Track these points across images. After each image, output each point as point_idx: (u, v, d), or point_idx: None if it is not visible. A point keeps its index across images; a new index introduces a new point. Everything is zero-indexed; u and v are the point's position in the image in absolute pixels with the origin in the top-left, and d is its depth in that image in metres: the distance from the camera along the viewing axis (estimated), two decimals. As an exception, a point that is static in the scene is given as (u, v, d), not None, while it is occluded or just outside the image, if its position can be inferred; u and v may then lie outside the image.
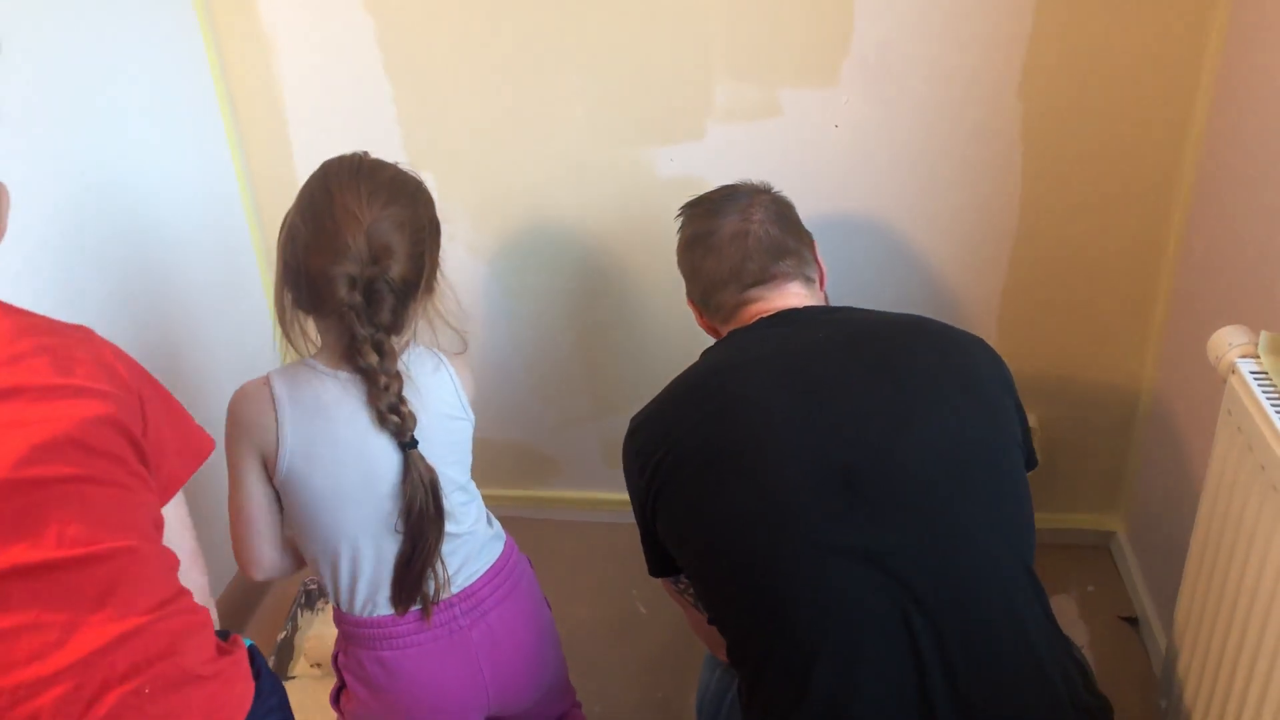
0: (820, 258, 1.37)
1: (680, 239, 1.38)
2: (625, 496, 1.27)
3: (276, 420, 1.19)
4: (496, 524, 1.38)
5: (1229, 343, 1.17)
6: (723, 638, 1.16)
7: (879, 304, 1.37)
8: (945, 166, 1.64)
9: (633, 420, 1.24)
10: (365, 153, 1.24)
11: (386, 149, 1.77)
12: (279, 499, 1.25)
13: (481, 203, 1.82)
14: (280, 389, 1.20)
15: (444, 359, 1.30)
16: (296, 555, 1.31)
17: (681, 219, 1.39)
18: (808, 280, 1.31)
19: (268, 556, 1.27)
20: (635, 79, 1.66)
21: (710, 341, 1.32)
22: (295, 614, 1.89)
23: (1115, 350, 1.75)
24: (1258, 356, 1.14)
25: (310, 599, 1.93)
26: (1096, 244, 1.66)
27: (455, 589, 1.28)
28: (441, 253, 1.27)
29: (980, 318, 1.74)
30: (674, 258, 1.40)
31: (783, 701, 1.06)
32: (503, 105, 1.72)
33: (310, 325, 1.24)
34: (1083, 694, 1.09)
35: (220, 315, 1.85)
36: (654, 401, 1.23)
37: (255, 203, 1.90)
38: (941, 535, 1.05)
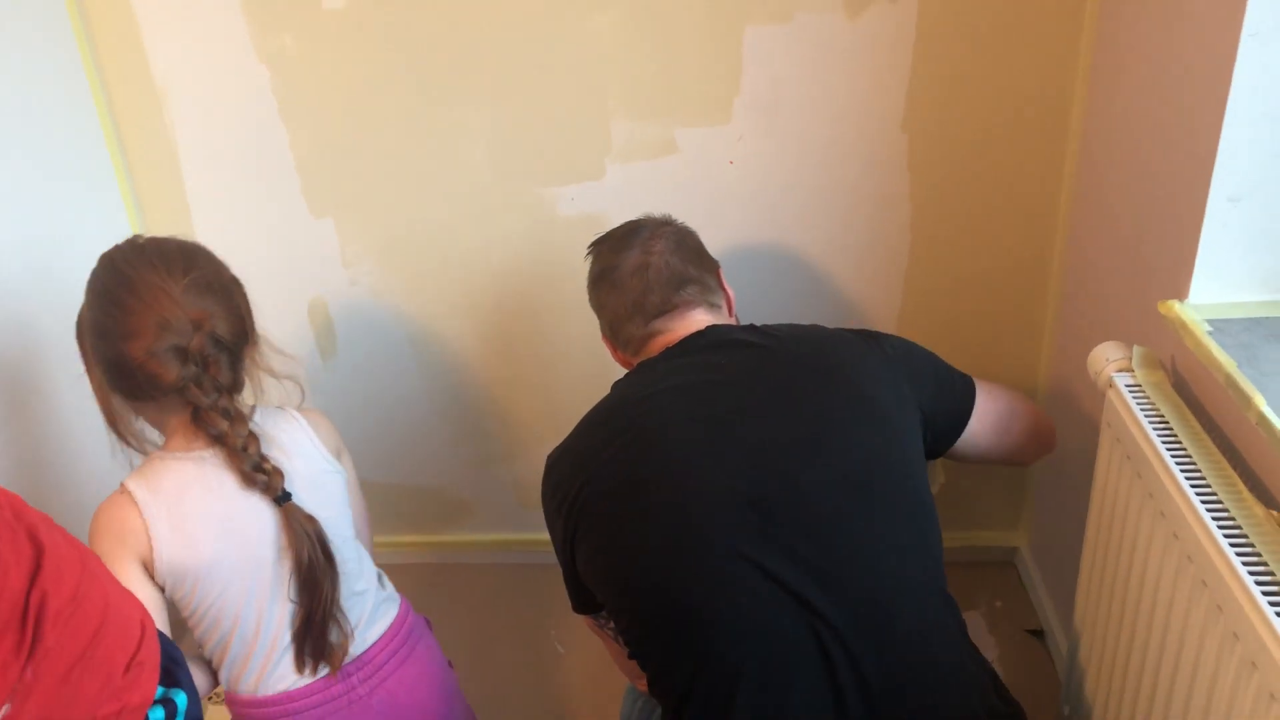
0: (726, 284, 1.39)
1: (589, 277, 1.40)
2: (540, 536, 1.28)
3: (144, 520, 1.16)
4: (389, 585, 1.36)
5: (1106, 358, 1.23)
6: (644, 671, 1.17)
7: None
8: (837, 197, 1.69)
9: (548, 458, 1.24)
10: (138, 235, 1.23)
11: (285, 196, 1.77)
12: (166, 611, 1.20)
13: (385, 246, 1.82)
14: (138, 489, 1.17)
15: (295, 413, 1.29)
16: (202, 678, 1.26)
17: (590, 257, 1.41)
18: (712, 306, 1.33)
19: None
20: (534, 120, 1.68)
21: (621, 373, 1.34)
22: None
23: (1009, 369, 1.81)
24: (1133, 370, 1.20)
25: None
26: (985, 267, 1.73)
27: (351, 656, 1.26)
28: (253, 304, 1.26)
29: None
30: (581, 295, 1.42)
31: None
32: (402, 148, 1.72)
33: (143, 422, 1.22)
34: (996, 702, 1.13)
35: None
36: (568, 438, 1.24)
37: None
38: (851, 559, 1.08)
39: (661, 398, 1.18)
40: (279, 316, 1.87)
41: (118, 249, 1.20)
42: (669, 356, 1.25)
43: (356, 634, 1.26)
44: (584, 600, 1.26)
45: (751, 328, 1.28)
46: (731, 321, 1.38)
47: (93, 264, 1.18)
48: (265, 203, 1.78)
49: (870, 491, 1.11)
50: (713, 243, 1.74)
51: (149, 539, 1.15)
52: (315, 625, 1.21)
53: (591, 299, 1.39)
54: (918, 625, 1.09)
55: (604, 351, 1.41)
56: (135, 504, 1.16)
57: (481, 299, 1.85)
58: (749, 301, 1.79)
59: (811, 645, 1.05)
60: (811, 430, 1.13)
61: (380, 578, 1.35)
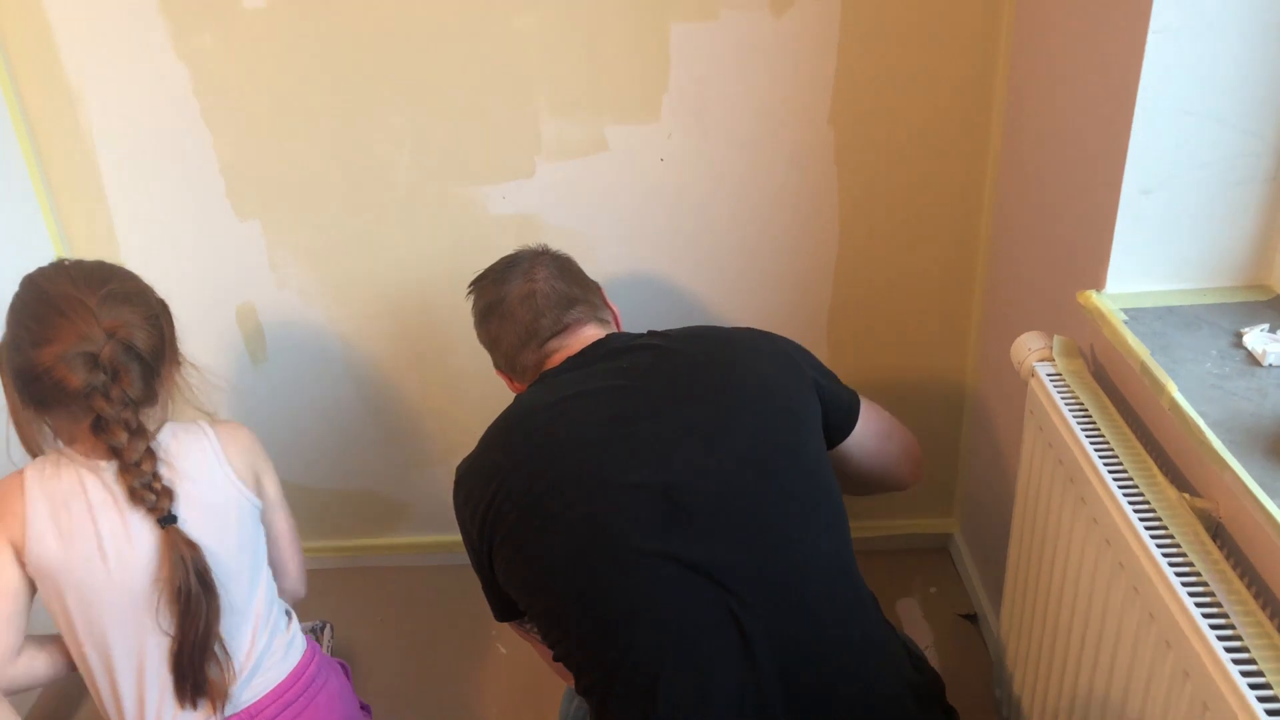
0: (610, 301, 1.44)
1: (475, 315, 1.42)
2: None
3: (24, 507, 1.15)
4: (296, 632, 1.32)
5: (1028, 347, 1.26)
6: (569, 670, 1.17)
7: (717, 322, 1.42)
8: (767, 193, 1.70)
9: (458, 470, 1.25)
10: (61, 258, 1.23)
11: (209, 199, 1.74)
12: (29, 600, 1.18)
13: (312, 248, 1.79)
14: (32, 480, 1.17)
15: (208, 429, 1.26)
16: (47, 657, 1.21)
17: (472, 295, 1.43)
18: (602, 322, 1.38)
19: None
20: (463, 120, 1.67)
21: None
22: None
23: (938, 359, 1.84)
24: (1054, 360, 1.23)
25: None
26: (913, 259, 1.75)
27: (238, 707, 1.23)
28: (178, 326, 1.25)
29: (810, 337, 1.81)
30: None
31: (633, 717, 1.09)
32: (327, 150, 1.70)
33: (54, 438, 1.20)
34: (911, 672, 1.17)
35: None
36: (475, 449, 1.25)
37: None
38: (760, 540, 1.11)
39: (564, 404, 1.21)
40: (208, 321, 1.84)
41: (39, 269, 1.20)
42: (569, 366, 1.28)
43: (248, 679, 1.23)
44: (505, 608, 1.27)
45: (650, 333, 1.31)
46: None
47: (8, 274, 1.17)
48: (190, 206, 1.75)
49: (772, 473, 1.14)
50: (644, 239, 1.75)
51: (24, 526, 1.15)
52: (189, 658, 1.18)
53: (481, 335, 1.42)
54: (828, 598, 1.13)
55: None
56: (23, 491, 1.16)
57: (412, 300, 1.83)
58: (678, 298, 1.81)
59: (728, 623, 1.07)
60: (710, 421, 1.16)
61: (287, 622, 1.31)
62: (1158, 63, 1.05)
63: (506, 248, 1.64)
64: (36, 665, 1.20)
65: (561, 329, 1.33)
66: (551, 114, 1.66)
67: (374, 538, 2.10)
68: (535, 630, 1.32)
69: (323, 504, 2.04)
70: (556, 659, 1.19)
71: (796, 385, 1.23)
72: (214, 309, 1.84)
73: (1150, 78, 1.06)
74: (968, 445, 1.90)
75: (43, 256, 1.76)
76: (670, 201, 1.72)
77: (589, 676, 1.14)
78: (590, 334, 1.33)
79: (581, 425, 1.17)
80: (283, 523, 1.35)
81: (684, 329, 1.32)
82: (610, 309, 1.43)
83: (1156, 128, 1.08)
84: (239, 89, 1.66)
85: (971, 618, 1.88)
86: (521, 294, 1.34)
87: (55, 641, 1.23)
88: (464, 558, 1.30)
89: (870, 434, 1.33)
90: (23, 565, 1.16)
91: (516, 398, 1.31)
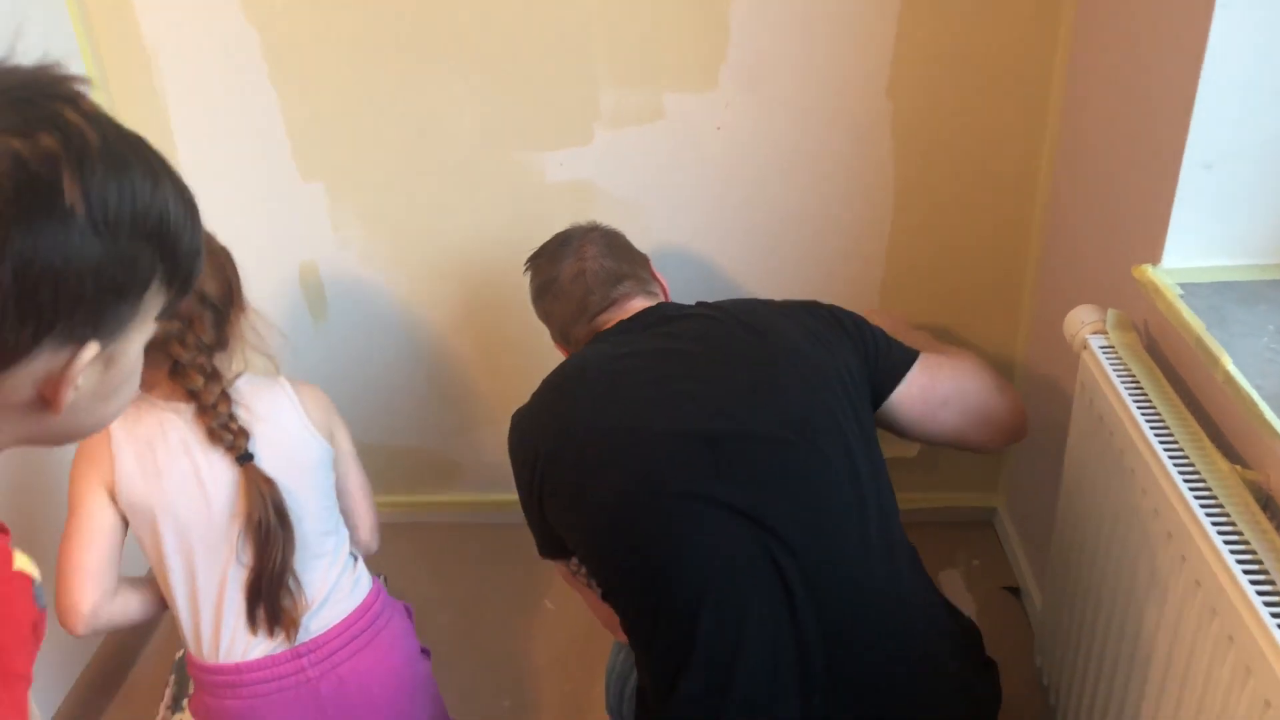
0: (659, 274, 1.50)
1: (531, 292, 1.52)
2: None
3: (112, 451, 1.22)
4: (363, 570, 1.38)
5: (1081, 320, 1.26)
6: (617, 612, 1.23)
7: (764, 296, 1.45)
8: (822, 164, 1.71)
9: (514, 416, 1.33)
10: None
11: (275, 160, 1.78)
12: (122, 539, 1.25)
13: (373, 210, 1.83)
14: (116, 424, 1.23)
15: (285, 384, 1.33)
16: (139, 597, 1.28)
17: (529, 273, 1.53)
18: (650, 295, 1.45)
19: (90, 599, 1.21)
20: (523, 86, 1.69)
21: None
22: (175, 689, 1.74)
23: (989, 333, 1.85)
24: (1107, 333, 1.23)
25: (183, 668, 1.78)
26: (967, 232, 1.75)
27: (307, 636, 1.28)
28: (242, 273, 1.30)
29: (861, 308, 1.82)
30: None
31: (674, 657, 1.14)
32: (392, 113, 1.73)
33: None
34: (948, 621, 1.22)
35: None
36: (532, 398, 1.32)
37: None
38: (799, 488, 1.16)
39: (616, 362, 1.29)
40: (271, 279, 1.89)
41: None
42: (621, 330, 1.36)
43: (317, 611, 1.29)
44: (551, 545, 1.33)
45: (699, 304, 1.37)
46: None
47: None
48: (257, 166, 1.79)
49: (813, 429, 1.19)
50: (699, 208, 1.77)
51: (113, 468, 1.22)
52: (265, 588, 1.24)
53: (538, 311, 1.52)
54: (865, 544, 1.17)
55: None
56: (109, 436, 1.22)
57: (469, 264, 1.87)
58: (731, 268, 1.83)
59: (766, 563, 1.13)
60: (754, 380, 1.22)
61: (354, 562, 1.37)
62: (1224, 35, 1.05)
63: (562, 214, 1.67)
64: (131, 604, 1.27)
65: (610, 304, 1.41)
66: (610, 82, 1.68)
67: (427, 494, 2.15)
68: (582, 573, 1.40)
69: (378, 460, 2.08)
70: (604, 599, 1.26)
71: (840, 347, 1.28)
72: (277, 267, 1.89)
73: (1216, 51, 1.06)
74: (1016, 420, 1.90)
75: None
76: (726, 171, 1.74)
77: (632, 616, 1.21)
78: (638, 306, 1.40)
79: (631, 381, 1.25)
80: (355, 477, 1.41)
81: (731, 300, 1.38)
82: (659, 281, 1.50)
83: (1221, 101, 1.08)
84: (306, 51, 1.69)
85: (1014, 591, 1.90)
86: (572, 273, 1.43)
87: (148, 583, 1.30)
88: (514, 517, 1.35)
89: (917, 397, 1.33)
90: (116, 505, 1.23)
91: (571, 355, 1.38)
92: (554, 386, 1.31)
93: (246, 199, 1.82)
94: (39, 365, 0.63)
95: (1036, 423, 1.76)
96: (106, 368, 0.68)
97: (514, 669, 1.81)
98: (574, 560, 1.38)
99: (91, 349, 0.64)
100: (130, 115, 1.78)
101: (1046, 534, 1.53)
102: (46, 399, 0.66)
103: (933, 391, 1.34)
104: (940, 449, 1.95)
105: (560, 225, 1.65)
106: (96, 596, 1.22)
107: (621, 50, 1.65)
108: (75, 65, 1.65)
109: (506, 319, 1.90)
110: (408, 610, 1.44)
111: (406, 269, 1.89)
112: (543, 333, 1.55)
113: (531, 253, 1.53)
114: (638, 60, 1.66)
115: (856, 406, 1.24)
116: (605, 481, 1.19)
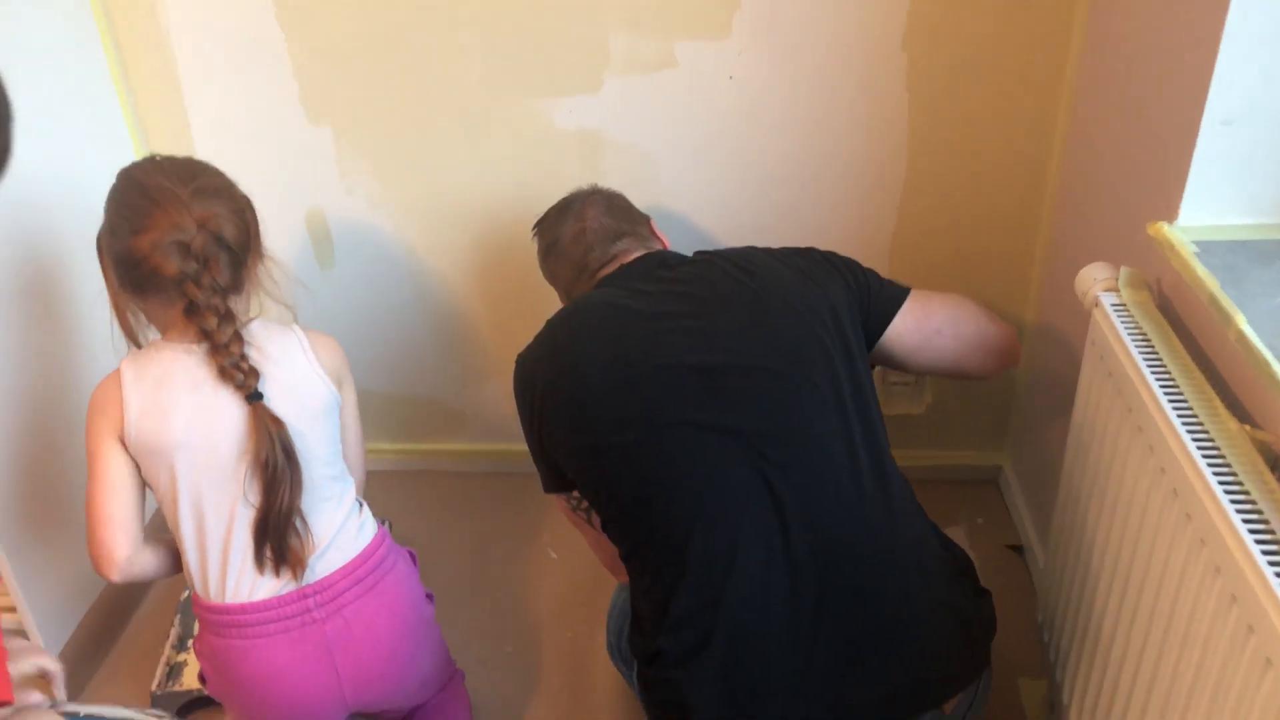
0: (660, 232, 1.54)
1: (538, 255, 1.58)
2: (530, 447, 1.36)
3: (122, 396, 1.24)
4: (368, 515, 1.39)
5: (1094, 278, 1.25)
6: (613, 542, 1.28)
7: (779, 244, 1.44)
8: (835, 116, 1.69)
9: (518, 356, 1.37)
10: (153, 154, 1.31)
11: (282, 104, 1.77)
12: (140, 487, 1.27)
13: (381, 157, 1.82)
14: (127, 369, 1.26)
15: (298, 330, 1.34)
16: (159, 556, 1.31)
17: (535, 236, 1.59)
18: (650, 251, 1.47)
19: (123, 549, 1.25)
20: (530, 32, 1.67)
21: None
22: (180, 629, 1.75)
23: (1000, 290, 1.83)
24: (1119, 290, 1.22)
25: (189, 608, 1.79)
26: (980, 187, 1.73)
27: (314, 577, 1.30)
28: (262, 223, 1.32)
29: (870, 262, 1.80)
30: None
31: (667, 579, 1.19)
32: (399, 58, 1.71)
33: (147, 324, 1.30)
34: (937, 546, 1.27)
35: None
36: (534, 338, 1.36)
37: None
38: (792, 414, 1.20)
39: (616, 301, 1.33)
40: (278, 224, 1.86)
41: (134, 163, 1.28)
42: (622, 274, 1.41)
43: (323, 553, 1.30)
44: (553, 479, 1.37)
45: (698, 252, 1.42)
46: None
47: (87, 169, 1.22)
48: (265, 109, 1.78)
49: (805, 361, 1.23)
50: (708, 158, 1.75)
51: (122, 413, 1.24)
52: (272, 528, 1.26)
53: (545, 273, 1.57)
54: (856, 470, 1.21)
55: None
56: (119, 382, 1.25)
57: (477, 212, 1.86)
58: (739, 219, 1.81)
59: (758, 483, 1.17)
60: (748, 317, 1.26)
61: (360, 506, 1.38)
62: (1249, -12, 1.03)
63: (571, 163, 1.65)
64: (163, 558, 1.31)
65: (609, 260, 1.45)
66: (621, 28, 1.65)
67: (433, 442, 2.16)
68: (583, 508, 1.45)
69: (384, 407, 2.09)
70: (604, 529, 1.30)
71: (832, 284, 1.33)
72: (284, 213, 1.88)
73: (1239, 6, 1.04)
74: (1024, 379, 1.90)
75: (123, 152, 1.81)
76: (737, 120, 1.71)
77: (629, 543, 1.26)
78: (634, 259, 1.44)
79: (629, 318, 1.29)
80: (354, 426, 1.43)
81: (729, 248, 1.42)
82: (659, 240, 1.53)
83: (1244, 57, 1.06)
84: (314, -6, 1.67)
85: (1018, 549, 1.90)
86: (573, 233, 1.48)
87: (167, 541, 1.32)
88: (518, 466, 1.37)
89: (913, 328, 1.39)
90: (128, 452, 1.25)
91: (572, 299, 1.43)
92: (555, 324, 1.36)
93: (254, 142, 1.81)
94: None
95: (1045, 380, 1.76)
96: None
97: (517, 615, 1.82)
98: (574, 494, 1.41)
99: None
100: (135, 56, 1.76)
101: (1052, 492, 1.53)
102: None
103: (927, 321, 1.40)
104: (948, 406, 1.95)
105: (568, 174, 1.63)
106: (128, 543, 1.25)
107: (633, -4, 1.62)
108: (80, 8, 1.66)
109: (513, 269, 1.89)
110: (412, 556, 1.45)
111: (414, 216, 1.88)
112: (549, 287, 1.55)
113: (538, 217, 1.57)
114: (650, 7, 1.63)
115: (848, 340, 1.28)
116: (602, 412, 1.24)
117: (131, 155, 1.82)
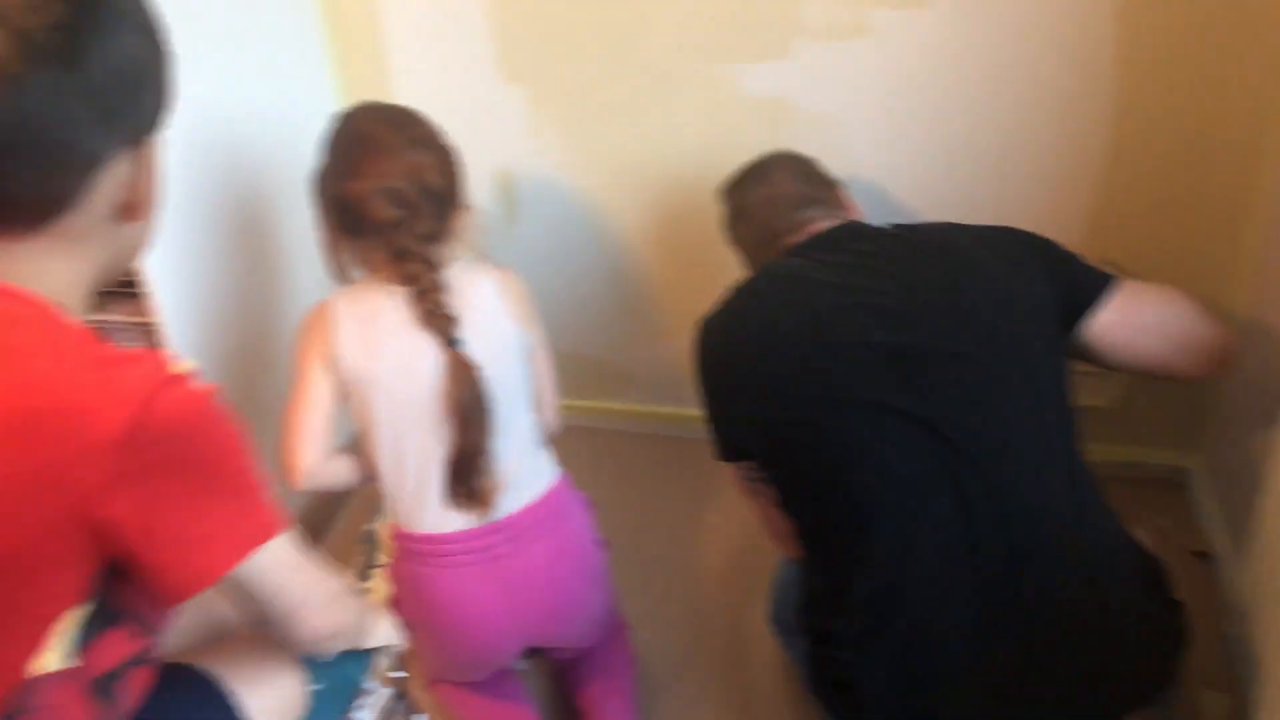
0: (851, 200, 1.49)
1: (725, 221, 1.55)
2: (696, 413, 1.37)
3: (333, 326, 1.30)
4: (552, 459, 1.44)
5: (1318, 272, 1.16)
6: (789, 519, 1.27)
7: (969, 219, 1.39)
8: (1034, 92, 1.61)
9: (703, 320, 1.36)
10: (368, 101, 1.36)
11: (480, 64, 1.82)
12: (335, 407, 1.33)
13: (570, 117, 1.85)
14: (339, 300, 1.32)
15: (491, 273, 1.38)
16: (346, 467, 1.37)
17: (723, 201, 1.55)
18: (837, 220, 1.42)
19: (307, 458, 1.32)
20: (725, -4, 1.66)
21: None
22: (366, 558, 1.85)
23: (1202, 281, 1.71)
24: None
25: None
26: (1188, 172, 1.63)
27: (500, 514, 1.35)
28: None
29: (1065, 241, 1.73)
30: None
31: (847, 561, 1.17)
32: (591, 20, 1.74)
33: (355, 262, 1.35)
34: (1127, 550, 1.20)
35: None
36: (720, 303, 1.35)
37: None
38: (984, 405, 1.16)
39: (805, 272, 1.30)
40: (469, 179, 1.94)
41: (353, 108, 1.35)
42: (812, 244, 1.36)
43: (507, 493, 1.35)
44: (729, 448, 1.37)
45: (893, 225, 1.38)
46: None
47: (297, 118, 1.27)
48: (463, 67, 1.84)
49: (1000, 349, 1.18)
50: (899, 130, 1.71)
51: (332, 341, 1.30)
52: (463, 466, 1.31)
53: (731, 239, 1.54)
54: (1048, 468, 1.16)
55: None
56: (333, 312, 1.31)
57: (660, 175, 1.87)
58: (930, 192, 1.76)
59: (945, 476, 1.13)
60: (943, 298, 1.21)
61: (545, 450, 1.43)
62: None
63: (757, 130, 1.64)
64: (342, 469, 1.37)
65: (796, 226, 1.41)
66: (815, -5, 1.62)
67: (600, 400, 2.20)
68: (757, 480, 1.41)
69: (556, 364, 2.14)
70: (780, 503, 1.29)
71: (1032, 269, 1.26)
72: (475, 169, 1.92)
73: None
74: (1228, 377, 1.78)
75: (325, 101, 1.90)
76: (932, 92, 1.66)
77: (808, 520, 1.25)
78: (825, 227, 1.39)
79: (819, 290, 1.25)
80: (544, 362, 1.47)
81: (925, 223, 1.37)
82: (850, 208, 1.48)
83: None
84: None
85: (1204, 556, 1.79)
86: (761, 198, 1.46)
87: (356, 453, 1.39)
88: (685, 430, 1.37)
89: (1117, 322, 1.27)
90: (333, 375, 1.32)
91: (761, 267, 1.39)
92: (742, 291, 1.34)
93: (450, 99, 1.87)
94: (121, 169, 0.81)
95: (1252, 380, 1.64)
96: (154, 171, 0.86)
97: (678, 577, 1.84)
98: (747, 465, 1.39)
99: (154, 141, 0.83)
100: (345, 14, 1.84)
101: (1250, 498, 1.43)
102: (131, 204, 0.83)
103: (1135, 317, 1.28)
104: (1134, 402, 1.85)
105: (754, 141, 1.62)
106: (313, 456, 1.32)
107: (831, -38, 1.59)
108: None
109: (693, 232, 1.90)
110: (588, 502, 1.49)
111: (598, 177, 1.91)
112: (728, 252, 1.55)
113: (721, 181, 1.55)
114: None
115: (1045, 330, 1.22)
116: (786, 385, 1.21)
117: (334, 104, 1.91)
